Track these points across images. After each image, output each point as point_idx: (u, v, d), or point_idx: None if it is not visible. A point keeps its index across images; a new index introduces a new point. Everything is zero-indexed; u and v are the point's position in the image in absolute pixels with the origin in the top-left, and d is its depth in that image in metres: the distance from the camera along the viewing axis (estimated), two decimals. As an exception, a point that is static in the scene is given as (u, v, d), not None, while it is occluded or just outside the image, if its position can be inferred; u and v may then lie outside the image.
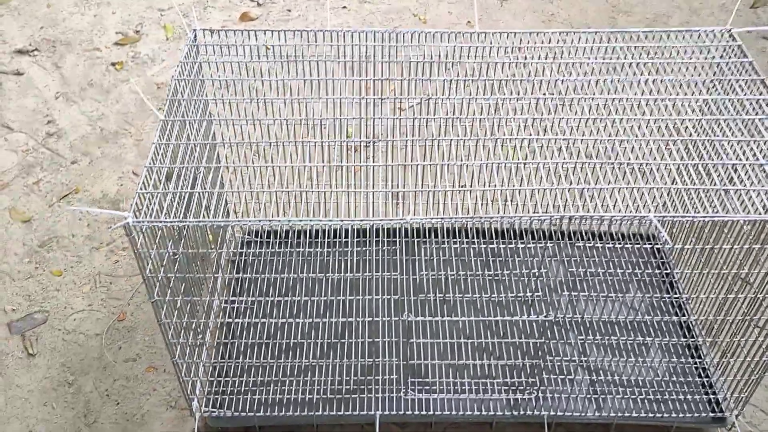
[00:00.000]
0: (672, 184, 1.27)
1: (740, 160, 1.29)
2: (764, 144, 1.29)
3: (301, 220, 1.20)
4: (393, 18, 2.62)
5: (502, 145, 1.41)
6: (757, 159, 1.28)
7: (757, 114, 1.34)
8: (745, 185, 1.26)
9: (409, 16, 2.63)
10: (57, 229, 1.95)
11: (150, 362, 1.67)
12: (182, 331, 1.35)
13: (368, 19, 2.61)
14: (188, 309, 1.39)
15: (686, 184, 1.24)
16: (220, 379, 1.53)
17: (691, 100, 1.41)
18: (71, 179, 2.08)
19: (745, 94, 1.38)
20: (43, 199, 2.03)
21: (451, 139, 1.33)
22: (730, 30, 1.49)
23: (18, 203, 2.01)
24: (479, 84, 1.42)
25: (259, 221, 1.19)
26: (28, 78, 2.39)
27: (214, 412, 1.47)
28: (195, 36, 1.48)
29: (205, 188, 1.34)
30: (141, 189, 1.19)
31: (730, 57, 1.46)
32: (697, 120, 1.45)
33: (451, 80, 1.43)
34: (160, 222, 1.15)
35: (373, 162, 1.38)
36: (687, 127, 1.49)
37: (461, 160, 1.29)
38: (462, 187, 1.25)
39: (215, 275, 1.65)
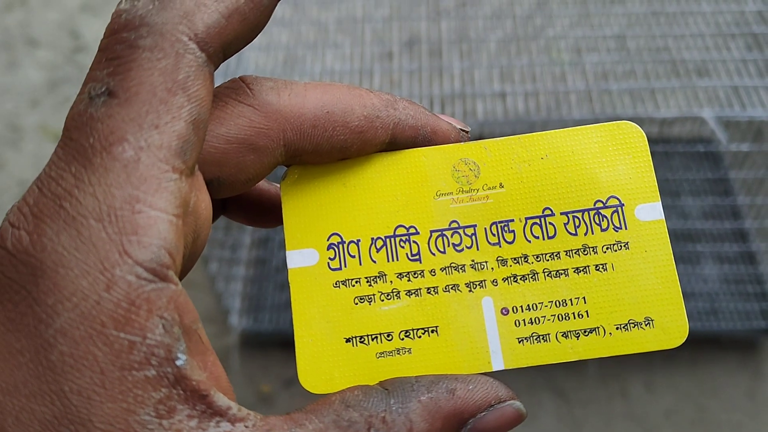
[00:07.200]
0: (731, 81, 1.17)
1: (809, 52, 1.18)
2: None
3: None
4: None
5: (547, 46, 1.32)
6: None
7: (829, 1, 1.22)
8: (814, 80, 1.16)
9: None
10: (89, 146, 1.93)
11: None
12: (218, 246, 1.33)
13: None
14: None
15: (746, 82, 1.15)
16: (255, 292, 1.52)
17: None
18: (101, 95, 2.05)
19: (816, -20, 1.26)
20: (74, 115, 2.00)
21: (493, 41, 1.24)
22: None
23: (49, 121, 1.98)
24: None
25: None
26: (51, -9, 2.33)
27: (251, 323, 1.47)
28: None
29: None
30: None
31: (800, -61, 1.32)
32: (758, 11, 1.34)
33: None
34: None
35: (411, 67, 1.30)
36: (748, 19, 1.38)
37: (503, 62, 1.21)
38: (503, 92, 1.18)
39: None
